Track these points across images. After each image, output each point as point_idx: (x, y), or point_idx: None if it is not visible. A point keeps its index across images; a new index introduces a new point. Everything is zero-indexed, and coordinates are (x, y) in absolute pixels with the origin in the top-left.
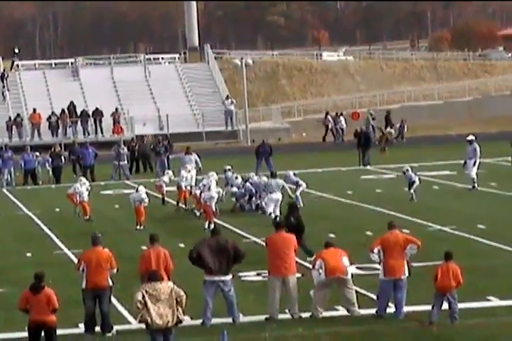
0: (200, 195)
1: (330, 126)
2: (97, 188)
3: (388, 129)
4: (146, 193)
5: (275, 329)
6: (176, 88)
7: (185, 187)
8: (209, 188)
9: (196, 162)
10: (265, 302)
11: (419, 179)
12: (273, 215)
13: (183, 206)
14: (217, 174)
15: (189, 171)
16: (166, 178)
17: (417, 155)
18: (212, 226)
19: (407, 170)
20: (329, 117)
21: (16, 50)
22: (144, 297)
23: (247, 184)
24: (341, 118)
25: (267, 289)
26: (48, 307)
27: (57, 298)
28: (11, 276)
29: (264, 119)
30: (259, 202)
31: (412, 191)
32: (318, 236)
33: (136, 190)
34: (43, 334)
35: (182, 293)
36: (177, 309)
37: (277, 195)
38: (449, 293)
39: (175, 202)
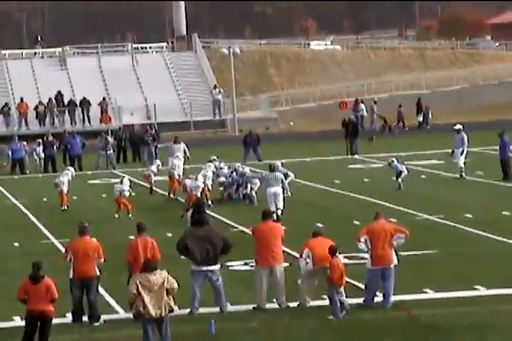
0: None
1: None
2: (84, 177)
3: (419, 116)
4: (130, 185)
5: (263, 318)
6: (163, 77)
7: (179, 175)
8: (196, 178)
9: (185, 151)
10: (253, 291)
11: (406, 168)
12: (273, 209)
13: (172, 195)
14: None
15: (180, 160)
16: (154, 168)
17: (405, 144)
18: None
19: (392, 161)
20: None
21: (39, 38)
22: (137, 288)
23: (234, 174)
24: (361, 105)
25: (254, 278)
26: (47, 296)
27: (57, 287)
28: None
29: (251, 109)
30: (246, 191)
31: (399, 180)
32: (306, 225)
33: (121, 182)
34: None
35: (175, 285)
36: (168, 298)
37: (275, 189)
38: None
39: (163, 192)
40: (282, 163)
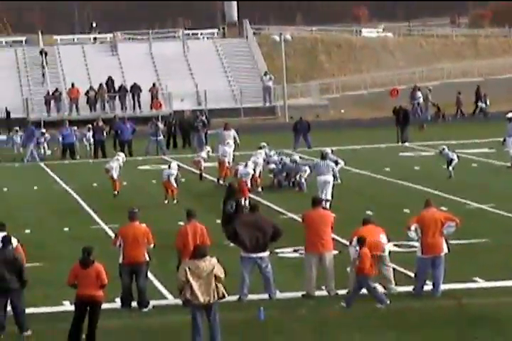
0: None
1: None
2: (134, 163)
3: (480, 103)
4: (179, 170)
5: (312, 305)
6: (214, 63)
7: (228, 163)
8: (246, 165)
9: (234, 138)
10: (302, 278)
11: (457, 156)
12: (323, 197)
13: (222, 182)
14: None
15: (230, 146)
16: (204, 154)
17: (456, 132)
18: (247, 202)
19: (443, 149)
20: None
21: (94, 24)
22: (186, 275)
23: (284, 161)
24: (419, 93)
25: (303, 266)
26: (96, 282)
27: (107, 273)
28: (48, 251)
29: (302, 96)
30: (296, 178)
31: (450, 168)
32: (356, 213)
33: (169, 167)
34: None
35: (223, 275)
36: (216, 286)
37: (326, 177)
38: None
39: (212, 178)
40: (332, 151)
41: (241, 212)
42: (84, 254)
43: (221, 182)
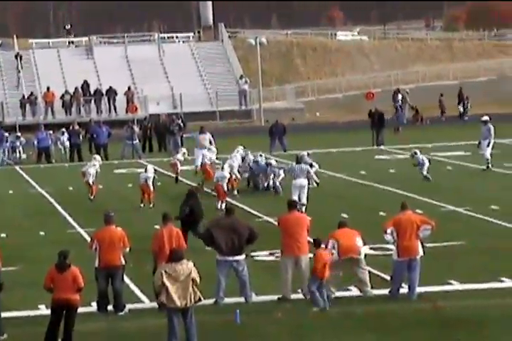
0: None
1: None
2: (110, 167)
3: (459, 106)
4: (155, 172)
5: (288, 309)
6: (189, 67)
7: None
8: (222, 168)
9: (210, 141)
10: (278, 281)
11: (429, 160)
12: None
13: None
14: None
15: (209, 149)
16: (179, 156)
17: (431, 135)
18: (224, 205)
19: (415, 152)
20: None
21: (68, 26)
22: (162, 278)
23: (259, 163)
24: (399, 95)
25: (279, 269)
26: (73, 285)
27: (83, 276)
28: (24, 254)
29: (277, 99)
30: (270, 181)
31: (425, 173)
32: (331, 216)
33: (145, 170)
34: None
35: (198, 279)
36: (193, 290)
37: (301, 181)
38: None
39: (189, 182)
40: (308, 153)
41: (199, 216)
42: (60, 258)
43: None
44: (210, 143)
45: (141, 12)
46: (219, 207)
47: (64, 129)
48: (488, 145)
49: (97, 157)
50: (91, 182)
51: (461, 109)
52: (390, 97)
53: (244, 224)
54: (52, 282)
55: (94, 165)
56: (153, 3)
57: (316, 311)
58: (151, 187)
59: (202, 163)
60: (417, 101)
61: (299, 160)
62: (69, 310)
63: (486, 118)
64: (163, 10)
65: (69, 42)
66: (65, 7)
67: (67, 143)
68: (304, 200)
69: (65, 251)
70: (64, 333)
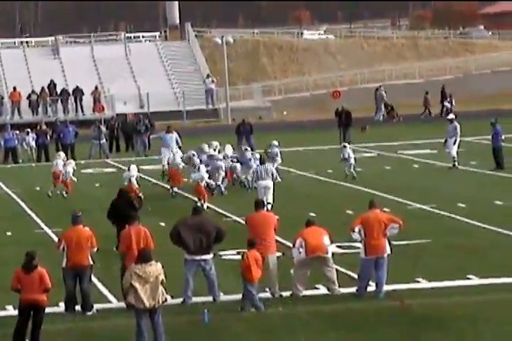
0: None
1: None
2: (77, 167)
3: (445, 103)
4: (138, 171)
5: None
6: (156, 66)
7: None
8: (198, 169)
9: (177, 141)
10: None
11: (354, 159)
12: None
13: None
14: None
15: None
16: (178, 159)
17: (397, 133)
18: (206, 205)
19: (344, 146)
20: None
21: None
22: (131, 279)
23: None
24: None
25: None
26: (40, 286)
27: (50, 277)
28: None
29: (244, 98)
30: (234, 177)
31: (349, 169)
32: (299, 214)
33: (128, 169)
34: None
35: (164, 279)
36: (161, 290)
37: (266, 182)
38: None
39: (155, 181)
40: (279, 143)
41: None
42: (27, 259)
43: (175, 189)
44: (177, 142)
45: (107, 11)
46: (206, 207)
47: (29, 129)
48: (454, 143)
49: (61, 154)
50: (68, 180)
51: (449, 106)
52: (357, 96)
53: (211, 222)
54: (19, 283)
55: (70, 163)
56: (119, 3)
57: (323, 309)
58: (136, 185)
59: (169, 167)
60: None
61: (263, 160)
62: (36, 310)
63: (452, 116)
64: (129, 10)
65: (34, 42)
66: (31, 7)
67: (33, 143)
68: (270, 199)
69: (32, 252)
70: (31, 333)
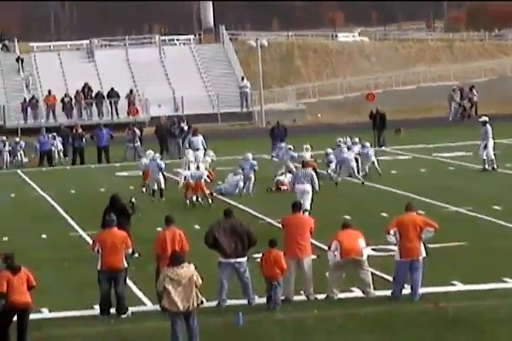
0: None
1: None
2: (112, 169)
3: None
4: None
5: (290, 310)
6: (191, 69)
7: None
8: (197, 167)
9: (202, 143)
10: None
11: (356, 160)
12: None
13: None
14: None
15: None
16: (208, 158)
17: (432, 136)
18: (200, 199)
19: (334, 148)
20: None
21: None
22: (164, 282)
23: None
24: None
25: None
26: (26, 287)
27: (79, 279)
28: (26, 258)
29: (279, 101)
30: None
31: (329, 171)
32: (334, 217)
33: (194, 167)
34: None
35: (200, 281)
36: (196, 292)
37: (304, 186)
38: (275, 279)
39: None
40: (311, 146)
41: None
42: (7, 261)
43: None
44: (202, 144)
45: (142, 14)
46: (194, 199)
47: (55, 133)
48: (484, 147)
49: (190, 151)
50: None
51: (467, 106)
52: (391, 98)
53: (244, 227)
54: (7, 284)
55: (206, 159)
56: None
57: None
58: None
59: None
60: (420, 101)
61: (303, 164)
62: (24, 312)
63: (484, 118)
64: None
65: (70, 45)
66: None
67: (61, 146)
68: (308, 206)
69: (10, 253)
70: (19, 336)
